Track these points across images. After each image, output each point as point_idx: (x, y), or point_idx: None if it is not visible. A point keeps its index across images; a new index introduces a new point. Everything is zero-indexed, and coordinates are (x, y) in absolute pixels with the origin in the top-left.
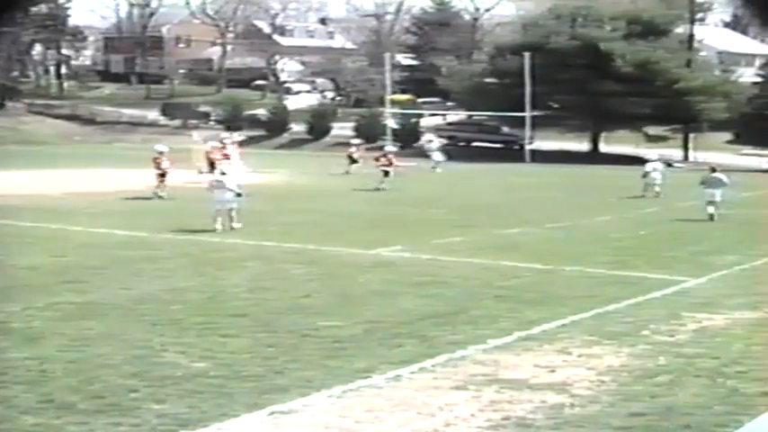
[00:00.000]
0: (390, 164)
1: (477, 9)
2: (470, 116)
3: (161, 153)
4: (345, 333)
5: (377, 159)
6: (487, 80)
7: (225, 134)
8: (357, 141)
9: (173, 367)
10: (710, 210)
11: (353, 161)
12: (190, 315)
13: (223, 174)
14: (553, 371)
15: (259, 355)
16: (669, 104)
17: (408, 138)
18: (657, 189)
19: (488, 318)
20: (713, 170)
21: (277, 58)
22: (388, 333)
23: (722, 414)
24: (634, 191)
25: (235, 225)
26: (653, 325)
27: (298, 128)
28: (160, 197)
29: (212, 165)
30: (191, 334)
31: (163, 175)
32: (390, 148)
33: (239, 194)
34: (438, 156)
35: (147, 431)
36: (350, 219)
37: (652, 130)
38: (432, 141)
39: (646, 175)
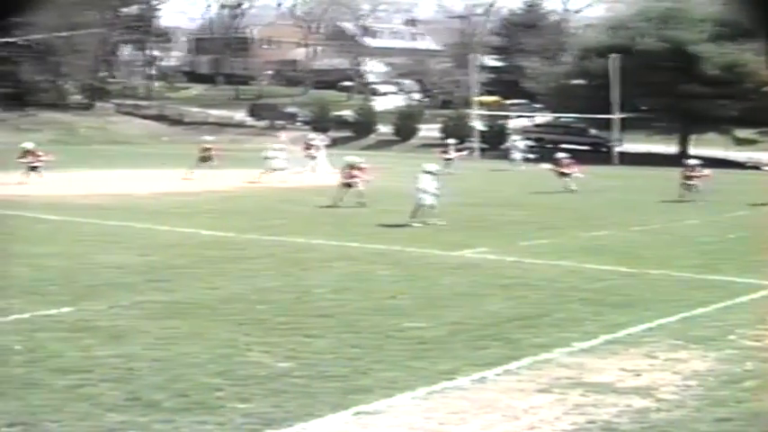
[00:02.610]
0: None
1: (566, 10)
2: (557, 118)
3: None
4: (430, 334)
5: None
6: (574, 82)
7: (311, 135)
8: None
9: (257, 367)
10: None
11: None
12: (275, 315)
13: (427, 172)
14: (639, 375)
15: (343, 356)
16: (758, 107)
17: (495, 140)
18: None
19: (573, 321)
20: None
21: (364, 59)
22: (473, 335)
23: None
24: (723, 194)
25: (435, 221)
26: (740, 329)
27: (384, 129)
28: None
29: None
30: (275, 334)
31: (349, 185)
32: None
33: (436, 194)
34: (518, 156)
35: (232, 430)
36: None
37: (741, 132)
38: (516, 141)
39: None
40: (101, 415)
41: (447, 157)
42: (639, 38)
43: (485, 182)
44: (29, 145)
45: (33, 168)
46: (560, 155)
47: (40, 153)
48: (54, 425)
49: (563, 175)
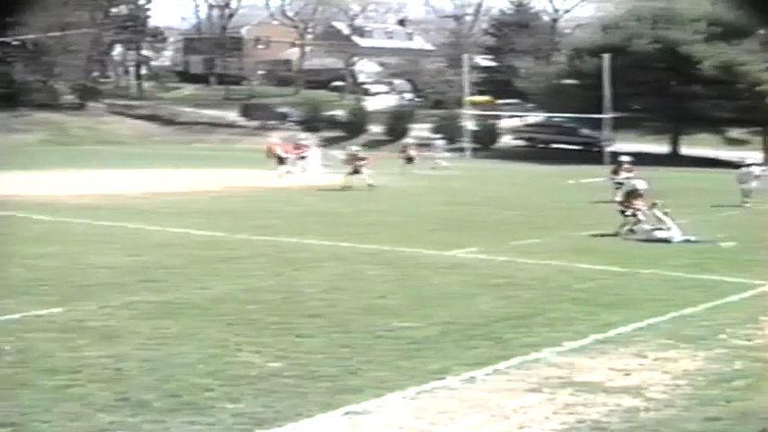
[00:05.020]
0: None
1: (557, 10)
2: (549, 118)
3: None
4: (420, 334)
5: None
6: (566, 82)
7: (301, 135)
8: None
9: (248, 367)
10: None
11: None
12: (265, 315)
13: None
14: (628, 374)
15: (334, 356)
16: (750, 107)
17: (486, 139)
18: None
19: (564, 320)
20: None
21: (355, 59)
22: (463, 334)
23: None
24: (714, 194)
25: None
26: (730, 329)
27: (376, 129)
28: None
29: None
30: (266, 334)
31: (357, 172)
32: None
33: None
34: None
35: (223, 430)
36: (426, 220)
37: (733, 132)
38: (436, 141)
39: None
40: (91, 415)
41: (407, 155)
42: (637, 39)
43: (473, 182)
44: None
45: None
46: (354, 148)
47: None
48: (44, 425)
49: (356, 171)
